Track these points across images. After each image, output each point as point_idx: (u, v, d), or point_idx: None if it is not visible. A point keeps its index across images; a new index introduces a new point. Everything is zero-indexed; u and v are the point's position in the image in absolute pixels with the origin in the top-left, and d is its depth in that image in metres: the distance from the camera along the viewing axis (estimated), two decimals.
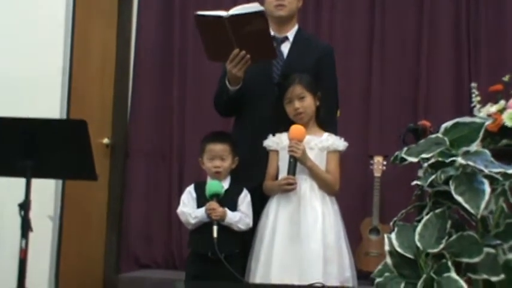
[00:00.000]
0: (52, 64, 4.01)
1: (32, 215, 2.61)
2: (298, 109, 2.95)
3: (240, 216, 2.92)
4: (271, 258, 2.86)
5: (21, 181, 2.62)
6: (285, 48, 3.17)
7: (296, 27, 3.23)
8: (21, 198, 2.60)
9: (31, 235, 2.59)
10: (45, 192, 3.79)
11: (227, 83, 3.02)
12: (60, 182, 4.00)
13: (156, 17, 4.91)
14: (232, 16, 2.80)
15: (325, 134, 3.00)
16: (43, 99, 3.93)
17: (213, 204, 2.86)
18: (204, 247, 2.87)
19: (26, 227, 2.58)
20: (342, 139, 3.01)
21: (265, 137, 3.02)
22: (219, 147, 2.97)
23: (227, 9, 2.86)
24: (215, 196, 2.88)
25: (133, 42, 4.90)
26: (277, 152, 2.99)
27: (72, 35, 4.09)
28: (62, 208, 4.08)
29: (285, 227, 2.88)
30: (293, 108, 2.96)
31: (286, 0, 3.12)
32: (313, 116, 3.00)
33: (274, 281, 2.81)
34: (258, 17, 2.82)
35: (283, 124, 2.96)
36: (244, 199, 2.96)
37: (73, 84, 4.11)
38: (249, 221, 2.94)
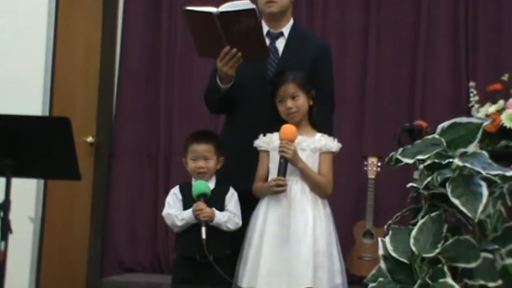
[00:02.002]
0: (34, 59, 3.96)
1: (12, 216, 2.53)
2: (291, 109, 2.88)
3: (228, 216, 2.86)
4: (258, 263, 2.79)
5: (1, 181, 2.56)
6: (280, 44, 3.10)
7: (291, 22, 3.16)
8: (0, 198, 2.52)
9: (11, 237, 2.52)
10: (26, 192, 3.73)
11: (218, 81, 2.95)
12: (41, 181, 3.95)
13: (143, 12, 4.85)
14: (222, 13, 2.74)
15: (318, 135, 2.93)
16: (24, 95, 3.87)
17: (201, 204, 2.80)
18: (192, 250, 2.81)
19: (5, 229, 2.50)
20: (336, 140, 2.95)
21: (258, 135, 2.96)
22: (202, 148, 2.91)
23: (217, 5, 2.79)
24: (202, 196, 2.81)
25: (119, 37, 4.84)
26: (267, 152, 2.92)
27: (55, 29, 4.03)
28: (43, 209, 4.03)
29: (274, 230, 2.81)
30: (285, 108, 2.89)
31: None
32: (305, 116, 2.94)
33: (261, 286, 2.75)
34: (249, 15, 2.75)
35: (275, 124, 2.89)
36: (232, 198, 2.90)
37: (56, 81, 4.06)
38: (238, 221, 2.89)
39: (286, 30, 3.12)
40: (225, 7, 2.76)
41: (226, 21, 2.75)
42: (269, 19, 3.09)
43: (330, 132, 2.99)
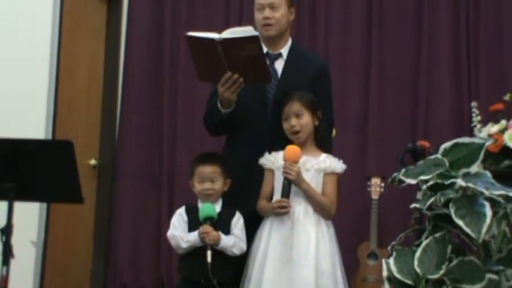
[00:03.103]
0: (37, 82, 3.93)
1: (14, 240, 2.50)
2: (294, 127, 2.89)
3: (234, 241, 2.85)
4: (261, 284, 2.78)
5: (3, 204, 2.52)
6: (279, 65, 3.10)
7: (290, 42, 3.16)
8: (2, 222, 2.49)
9: (12, 262, 2.49)
10: (29, 216, 3.69)
11: (219, 105, 2.94)
12: (44, 205, 3.91)
13: (146, 35, 4.88)
14: (225, 40, 2.74)
15: (323, 155, 2.93)
16: (27, 118, 3.84)
17: (207, 227, 2.79)
18: (197, 273, 2.80)
19: (7, 254, 2.47)
20: (341, 161, 2.94)
21: (260, 158, 2.96)
22: (208, 169, 2.90)
23: (219, 30, 2.80)
24: (209, 219, 2.81)
25: (122, 60, 4.85)
26: (272, 171, 2.92)
27: (58, 52, 4.02)
28: (46, 233, 3.98)
29: (276, 251, 2.81)
30: (289, 125, 2.90)
31: (272, 19, 3.04)
32: (311, 136, 2.94)
33: None
34: (252, 41, 2.75)
35: (280, 143, 2.89)
36: (238, 222, 2.90)
37: (59, 103, 4.04)
38: (243, 246, 2.88)
39: (284, 51, 3.12)
40: (227, 33, 2.76)
41: (229, 47, 2.74)
42: (267, 41, 3.06)
43: (328, 150, 2.99)
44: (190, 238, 2.82)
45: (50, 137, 3.94)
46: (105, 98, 4.75)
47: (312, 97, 2.94)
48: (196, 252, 2.81)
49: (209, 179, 2.89)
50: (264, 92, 3.03)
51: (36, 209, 3.87)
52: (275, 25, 3.05)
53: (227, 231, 2.85)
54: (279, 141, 2.90)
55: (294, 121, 2.89)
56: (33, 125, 3.84)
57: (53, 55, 4.00)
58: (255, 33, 2.79)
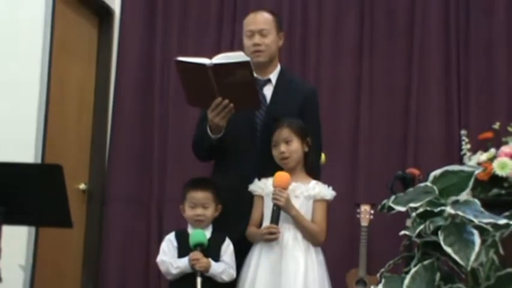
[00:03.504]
0: (27, 106, 3.93)
1: (2, 264, 2.49)
2: (284, 153, 2.90)
3: (224, 267, 2.84)
4: None
5: None
6: (268, 91, 3.11)
7: (278, 68, 3.17)
8: None
9: (0, 286, 2.50)
10: (17, 240, 3.65)
11: (208, 131, 2.94)
12: (33, 229, 3.88)
13: (137, 60, 4.88)
14: (217, 65, 2.74)
15: (313, 182, 2.94)
16: (17, 142, 3.83)
17: (197, 254, 2.78)
18: None
19: None
20: (330, 188, 2.95)
21: (249, 184, 2.96)
22: (200, 195, 2.89)
23: (210, 55, 2.80)
24: (199, 246, 2.79)
25: (112, 85, 4.85)
26: (262, 197, 2.93)
27: (48, 76, 4.02)
28: (34, 257, 3.94)
29: (266, 278, 2.80)
30: (279, 152, 2.91)
31: (263, 45, 3.06)
32: (300, 162, 2.95)
33: None
34: (243, 67, 2.75)
35: (269, 169, 2.90)
36: (227, 249, 2.89)
37: (49, 127, 4.03)
38: (232, 272, 2.87)
39: (273, 76, 3.13)
40: (218, 59, 2.76)
41: (220, 73, 2.74)
42: (256, 67, 3.03)
43: (316, 176, 3.00)
44: (180, 264, 2.81)
45: (39, 160, 3.92)
46: (95, 122, 4.74)
47: (301, 123, 2.95)
48: (186, 278, 2.80)
49: (201, 205, 2.88)
50: (253, 117, 3.04)
51: (25, 232, 3.85)
52: (265, 51, 3.07)
53: (217, 257, 2.84)
54: (269, 167, 2.91)
55: (283, 147, 2.90)
56: (22, 149, 3.82)
57: (43, 79, 4.00)
58: (247, 58, 2.80)
